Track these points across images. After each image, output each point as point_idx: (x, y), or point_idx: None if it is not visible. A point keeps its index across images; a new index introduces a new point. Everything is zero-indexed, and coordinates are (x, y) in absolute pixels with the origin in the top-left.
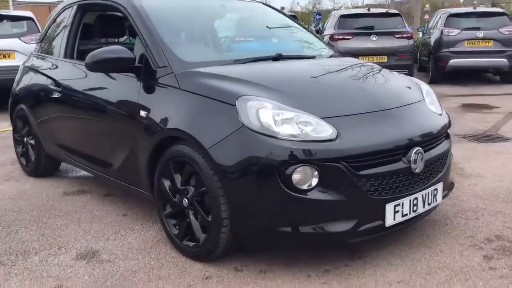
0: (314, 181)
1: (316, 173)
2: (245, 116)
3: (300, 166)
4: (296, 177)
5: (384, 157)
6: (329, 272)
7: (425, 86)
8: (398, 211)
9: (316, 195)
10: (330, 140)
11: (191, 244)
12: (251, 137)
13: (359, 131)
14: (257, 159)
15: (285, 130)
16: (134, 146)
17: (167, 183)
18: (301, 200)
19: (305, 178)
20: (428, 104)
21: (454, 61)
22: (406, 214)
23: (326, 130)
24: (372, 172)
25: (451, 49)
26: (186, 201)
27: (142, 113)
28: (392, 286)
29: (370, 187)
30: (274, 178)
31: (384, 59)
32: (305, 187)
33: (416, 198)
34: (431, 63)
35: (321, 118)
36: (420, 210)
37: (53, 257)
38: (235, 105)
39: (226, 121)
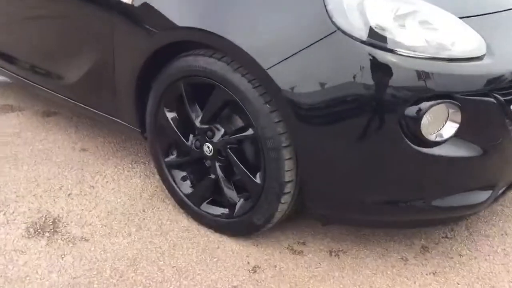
0: (450, 129)
1: (455, 115)
2: (341, 13)
3: (436, 104)
4: (425, 121)
5: None
6: (428, 252)
7: None
8: None
9: (452, 150)
10: (478, 58)
11: (217, 211)
12: (350, 50)
13: None
14: (359, 88)
15: (409, 40)
16: (107, 51)
17: (172, 116)
18: (432, 159)
19: (437, 123)
20: None
21: None
22: None
23: (470, 41)
24: None
25: None
26: (210, 147)
27: None
28: None
29: None
30: (390, 123)
31: None
32: (436, 137)
33: None
34: None
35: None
36: None
37: None
38: None
39: (303, 21)
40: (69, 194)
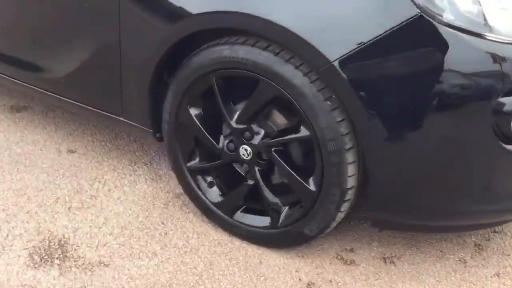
0: None
1: None
2: None
3: None
4: None
5: None
6: (484, 251)
7: None
8: None
9: None
10: None
11: (255, 221)
12: (435, 35)
13: None
14: (446, 79)
15: (505, 24)
16: (111, 38)
17: (195, 114)
18: None
19: None
20: None
21: None
22: None
23: None
24: None
25: None
26: (249, 150)
27: None
28: None
29: None
30: (478, 118)
31: None
32: None
33: None
34: None
35: None
36: None
37: None
38: None
39: (379, 4)
40: (69, 208)
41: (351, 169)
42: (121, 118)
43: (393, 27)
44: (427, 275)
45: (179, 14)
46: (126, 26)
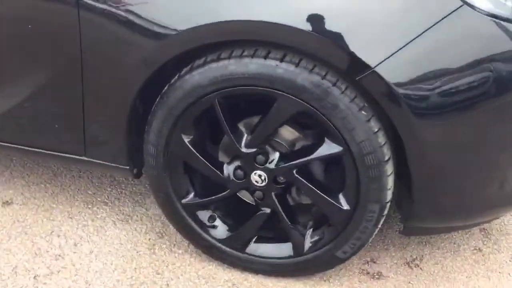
0: None
1: None
2: None
3: None
4: None
5: None
6: (492, 235)
7: None
8: None
9: None
10: None
11: (272, 252)
12: (482, 28)
13: None
14: (497, 74)
15: None
16: (69, 65)
17: (189, 141)
18: None
19: None
20: None
21: None
22: None
23: None
24: None
25: None
26: (264, 176)
27: None
28: None
29: None
30: None
31: None
32: None
33: None
34: None
35: None
36: None
37: None
38: None
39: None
40: (35, 277)
41: (390, 182)
42: (82, 158)
43: (436, 22)
44: (455, 273)
45: (173, 29)
46: (90, 46)
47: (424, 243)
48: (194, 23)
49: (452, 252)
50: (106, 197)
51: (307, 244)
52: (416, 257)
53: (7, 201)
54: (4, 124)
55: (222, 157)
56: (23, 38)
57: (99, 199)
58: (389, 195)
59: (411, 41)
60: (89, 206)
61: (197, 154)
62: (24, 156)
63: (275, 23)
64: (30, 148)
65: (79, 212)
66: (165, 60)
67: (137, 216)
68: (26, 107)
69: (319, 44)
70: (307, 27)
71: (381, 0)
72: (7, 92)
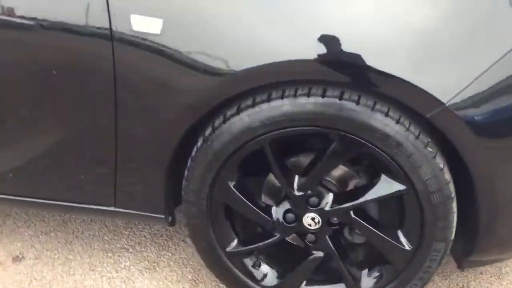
0: None
1: None
2: None
3: None
4: None
5: None
6: None
7: None
8: None
9: None
10: None
11: None
12: None
13: None
14: None
15: None
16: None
17: (234, 186)
18: None
19: None
20: None
21: None
22: None
23: None
24: None
25: None
26: (317, 218)
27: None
28: None
29: None
30: None
31: None
32: None
33: None
34: None
35: None
36: None
37: None
38: None
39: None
40: None
41: (455, 219)
42: (111, 208)
43: (508, 50)
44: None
45: (230, 70)
46: (127, 90)
47: (466, 269)
48: (258, 62)
49: (497, 277)
50: (125, 242)
51: (363, 286)
52: (463, 285)
53: (17, 256)
54: (22, 178)
55: (265, 199)
56: (48, 85)
57: (118, 245)
58: (454, 232)
59: (483, 73)
60: (109, 255)
61: (244, 199)
62: (41, 209)
63: (347, 62)
64: (49, 201)
65: (100, 262)
66: (215, 104)
67: (163, 262)
68: (48, 158)
69: (385, 82)
70: (374, 64)
71: (449, 34)
72: (28, 144)
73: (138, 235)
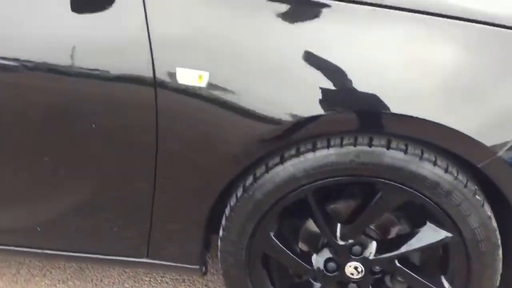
0: None
1: None
2: None
3: None
4: None
5: None
6: None
7: None
8: None
9: None
10: None
11: None
12: None
13: None
14: None
15: None
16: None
17: (274, 235)
18: None
19: None
20: None
21: None
22: None
23: None
24: None
25: None
26: (360, 267)
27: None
28: None
29: None
30: None
31: None
32: None
33: None
34: None
35: None
36: None
37: None
38: None
39: None
40: None
41: (500, 266)
42: (143, 260)
43: None
44: None
45: (285, 120)
46: (168, 141)
47: None
48: (312, 112)
49: None
50: None
51: None
52: None
53: None
54: (51, 231)
55: (301, 245)
56: (85, 138)
57: None
58: (498, 279)
59: None
60: None
61: (285, 248)
62: (70, 262)
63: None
64: (79, 254)
65: None
66: (263, 154)
67: None
68: (81, 210)
69: (437, 132)
70: (426, 115)
71: (494, 83)
72: (59, 196)
73: (159, 281)
